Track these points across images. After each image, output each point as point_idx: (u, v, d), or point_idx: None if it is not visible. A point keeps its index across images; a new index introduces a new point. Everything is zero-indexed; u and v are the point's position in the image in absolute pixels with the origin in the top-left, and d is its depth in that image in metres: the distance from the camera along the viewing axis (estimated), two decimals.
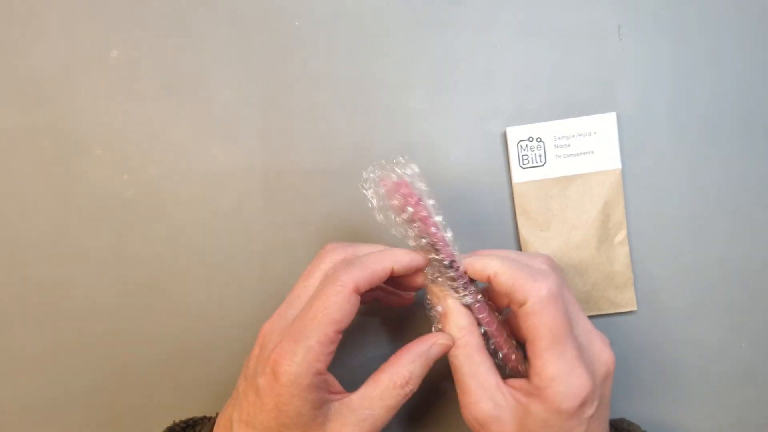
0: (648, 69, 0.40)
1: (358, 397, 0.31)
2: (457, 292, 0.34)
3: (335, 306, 0.30)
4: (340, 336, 0.31)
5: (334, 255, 0.33)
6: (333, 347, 0.30)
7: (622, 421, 0.38)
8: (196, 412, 0.40)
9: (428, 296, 0.35)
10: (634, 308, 0.40)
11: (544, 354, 0.30)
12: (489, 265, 0.32)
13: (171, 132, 0.42)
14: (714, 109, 0.40)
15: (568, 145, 0.40)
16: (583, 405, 0.30)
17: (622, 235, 0.40)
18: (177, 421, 0.37)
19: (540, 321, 0.30)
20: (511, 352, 0.35)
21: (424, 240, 0.33)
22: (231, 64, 0.42)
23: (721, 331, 0.40)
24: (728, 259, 0.40)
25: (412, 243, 0.34)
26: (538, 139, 0.40)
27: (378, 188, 0.33)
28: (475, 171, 0.41)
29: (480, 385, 0.32)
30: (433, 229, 0.33)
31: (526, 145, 0.40)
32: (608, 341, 0.33)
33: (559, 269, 0.34)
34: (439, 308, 0.34)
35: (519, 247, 0.41)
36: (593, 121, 0.40)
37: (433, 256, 0.33)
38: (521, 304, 0.31)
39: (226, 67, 0.42)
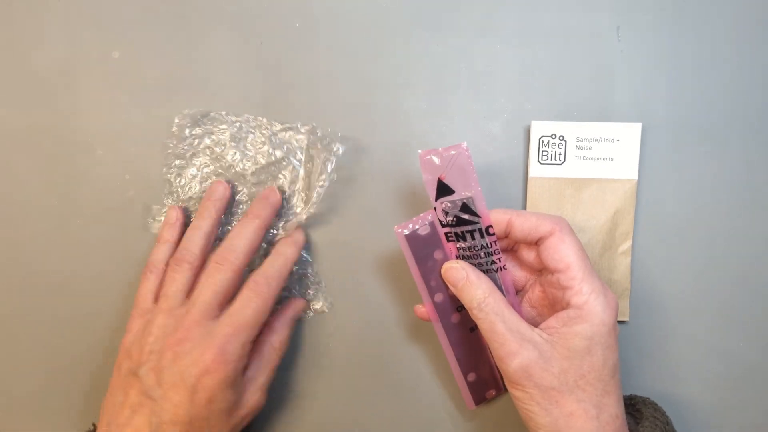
0: (647, 70, 0.40)
1: (254, 371, 0.38)
2: (488, 256, 0.36)
3: (257, 310, 0.37)
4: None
5: None
6: (250, 347, 0.37)
7: (632, 397, 0.39)
8: None
9: (442, 277, 0.37)
10: (626, 319, 0.41)
11: (580, 273, 0.34)
12: (510, 212, 0.36)
13: (172, 132, 0.42)
14: (714, 109, 0.40)
15: (590, 148, 0.40)
16: (617, 316, 0.34)
17: (626, 245, 0.40)
18: None
19: (570, 247, 0.34)
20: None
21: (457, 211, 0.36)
22: (232, 65, 0.42)
23: (717, 339, 0.41)
24: (729, 268, 0.41)
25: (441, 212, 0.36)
26: (561, 138, 0.40)
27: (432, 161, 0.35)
28: (481, 168, 0.41)
29: (516, 333, 0.34)
30: (481, 197, 0.36)
31: (548, 142, 0.40)
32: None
33: None
34: (460, 277, 0.36)
35: None
36: (618, 128, 0.40)
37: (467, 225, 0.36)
38: (549, 235, 0.35)
39: (226, 68, 0.42)
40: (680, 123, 0.40)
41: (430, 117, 0.41)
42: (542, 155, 0.40)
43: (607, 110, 0.40)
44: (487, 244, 0.36)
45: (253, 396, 0.37)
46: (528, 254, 0.37)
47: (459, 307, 0.38)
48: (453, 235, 0.36)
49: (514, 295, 0.38)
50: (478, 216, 0.35)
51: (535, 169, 0.40)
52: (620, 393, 0.35)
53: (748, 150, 0.40)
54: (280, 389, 0.42)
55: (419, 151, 0.35)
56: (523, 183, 0.41)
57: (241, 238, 0.38)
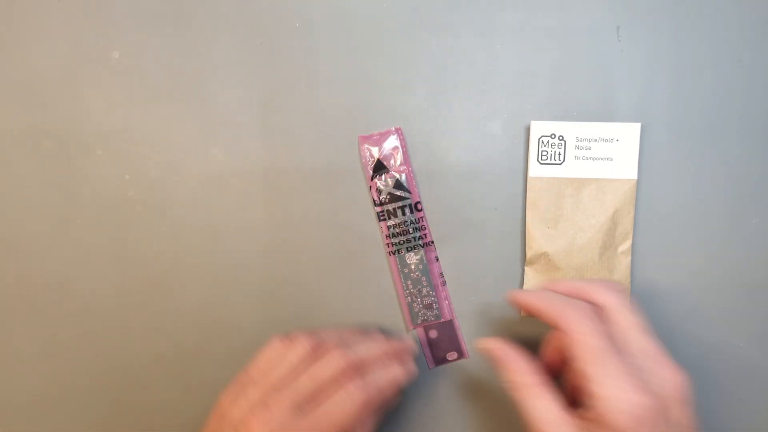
0: (647, 70, 0.40)
1: None
2: (416, 231, 0.41)
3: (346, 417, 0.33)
4: None
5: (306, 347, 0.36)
6: None
7: None
8: (196, 410, 0.41)
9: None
10: None
11: (590, 373, 0.31)
12: (531, 299, 0.34)
13: (172, 132, 0.42)
14: (713, 109, 0.40)
15: (589, 147, 0.40)
16: (641, 423, 0.30)
17: (626, 245, 0.40)
18: None
19: (579, 342, 0.31)
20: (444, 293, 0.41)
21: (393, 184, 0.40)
22: (232, 65, 0.42)
23: (718, 339, 0.41)
24: (729, 268, 0.41)
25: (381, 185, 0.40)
26: (561, 137, 0.40)
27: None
28: (480, 168, 0.41)
29: (546, 421, 0.32)
30: (412, 175, 0.41)
31: (548, 141, 0.40)
32: (678, 367, 0.32)
33: (619, 291, 0.34)
34: (498, 357, 0.35)
35: (522, 241, 0.41)
36: (617, 128, 0.40)
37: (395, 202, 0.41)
38: (564, 333, 0.32)
39: (226, 68, 0.42)
40: (680, 123, 0.40)
41: (429, 117, 0.41)
42: (542, 155, 0.40)
43: (607, 110, 0.41)
44: (415, 219, 0.41)
45: None
46: None
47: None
48: (385, 213, 0.41)
49: (442, 285, 0.41)
50: (408, 192, 0.40)
51: (535, 169, 0.40)
52: None
53: (748, 150, 0.40)
54: None
55: (359, 135, 0.39)
56: (522, 183, 0.41)
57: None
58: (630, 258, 0.40)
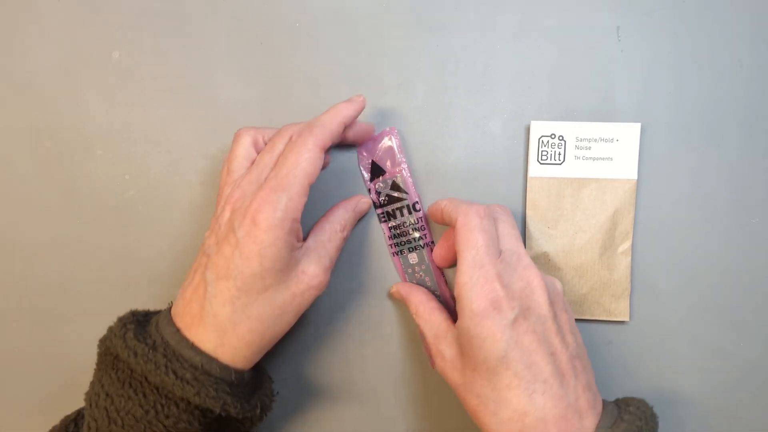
0: (647, 70, 0.40)
1: (312, 242, 0.37)
2: (415, 231, 0.41)
3: (308, 162, 0.34)
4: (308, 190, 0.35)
5: (252, 132, 0.38)
6: (306, 199, 0.34)
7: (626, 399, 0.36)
8: None
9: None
10: (627, 319, 0.40)
11: (462, 265, 0.34)
12: (440, 202, 0.38)
13: (172, 132, 0.42)
14: (713, 109, 0.40)
15: (589, 147, 0.40)
16: (495, 307, 0.32)
17: (626, 245, 0.40)
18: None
19: (462, 236, 0.34)
20: (447, 290, 0.41)
21: (393, 185, 0.41)
22: (232, 65, 0.42)
23: (718, 340, 0.41)
24: (729, 268, 0.41)
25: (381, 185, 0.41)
26: (560, 137, 0.40)
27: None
28: (480, 168, 0.41)
29: (436, 338, 0.36)
30: (408, 175, 0.41)
31: (548, 141, 0.40)
32: (541, 273, 0.35)
33: (505, 213, 0.37)
34: (398, 295, 0.40)
35: (523, 240, 0.41)
36: (617, 128, 0.40)
37: (399, 199, 0.41)
38: (454, 225, 0.35)
39: (226, 68, 0.42)
40: (680, 123, 0.40)
41: (429, 117, 0.41)
42: (542, 155, 0.40)
43: (607, 110, 0.41)
44: (414, 220, 0.40)
45: (311, 266, 0.35)
46: None
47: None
48: (385, 215, 0.41)
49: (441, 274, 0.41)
50: (405, 193, 0.40)
51: (535, 169, 0.40)
52: (534, 387, 0.32)
53: (748, 150, 0.40)
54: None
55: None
56: (522, 183, 0.41)
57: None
58: (630, 258, 0.40)
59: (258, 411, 0.35)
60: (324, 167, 0.41)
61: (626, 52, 0.40)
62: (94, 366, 0.36)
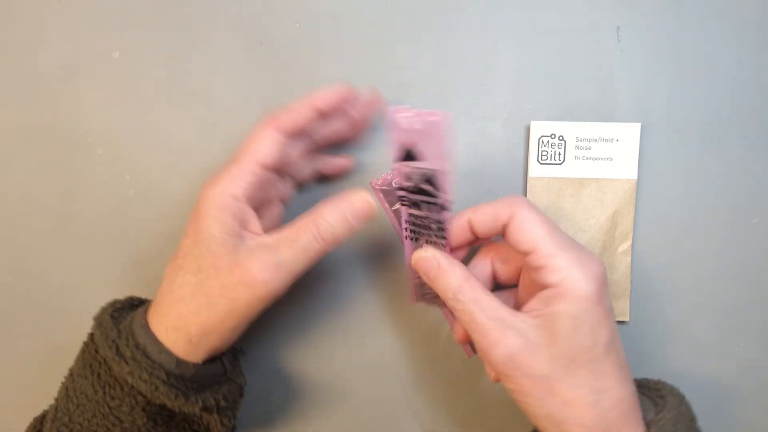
0: (647, 70, 0.40)
1: (271, 239, 0.33)
2: (440, 231, 0.34)
3: (258, 141, 0.34)
4: (266, 172, 0.34)
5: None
6: (252, 178, 0.33)
7: (657, 382, 0.36)
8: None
9: (412, 266, 0.35)
10: (627, 319, 0.41)
11: (550, 249, 0.31)
12: (465, 213, 0.34)
13: (172, 132, 0.42)
14: (713, 109, 0.40)
15: (589, 147, 0.40)
16: (603, 285, 0.31)
17: (626, 245, 0.40)
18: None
19: (531, 224, 0.32)
20: None
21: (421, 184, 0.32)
22: (232, 65, 0.42)
23: (718, 340, 0.41)
24: (729, 268, 0.41)
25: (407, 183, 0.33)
26: (560, 137, 0.40)
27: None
28: (480, 168, 0.41)
29: (497, 320, 0.31)
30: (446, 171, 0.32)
31: (548, 142, 0.40)
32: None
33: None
34: (432, 267, 0.34)
35: None
36: (617, 128, 0.40)
37: (426, 200, 0.33)
38: (509, 220, 0.32)
39: (227, 68, 0.42)
40: (680, 123, 0.40)
41: None
42: (542, 155, 0.40)
43: (607, 110, 0.40)
44: (442, 219, 0.33)
45: (248, 261, 0.31)
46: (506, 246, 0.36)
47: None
48: (408, 200, 0.34)
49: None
50: (439, 191, 0.32)
51: (535, 169, 0.40)
52: (623, 373, 0.32)
53: (748, 150, 0.40)
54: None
55: (392, 107, 0.30)
56: (522, 183, 0.41)
57: None
58: (630, 258, 0.40)
59: (198, 410, 0.33)
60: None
61: (626, 52, 0.40)
62: None
